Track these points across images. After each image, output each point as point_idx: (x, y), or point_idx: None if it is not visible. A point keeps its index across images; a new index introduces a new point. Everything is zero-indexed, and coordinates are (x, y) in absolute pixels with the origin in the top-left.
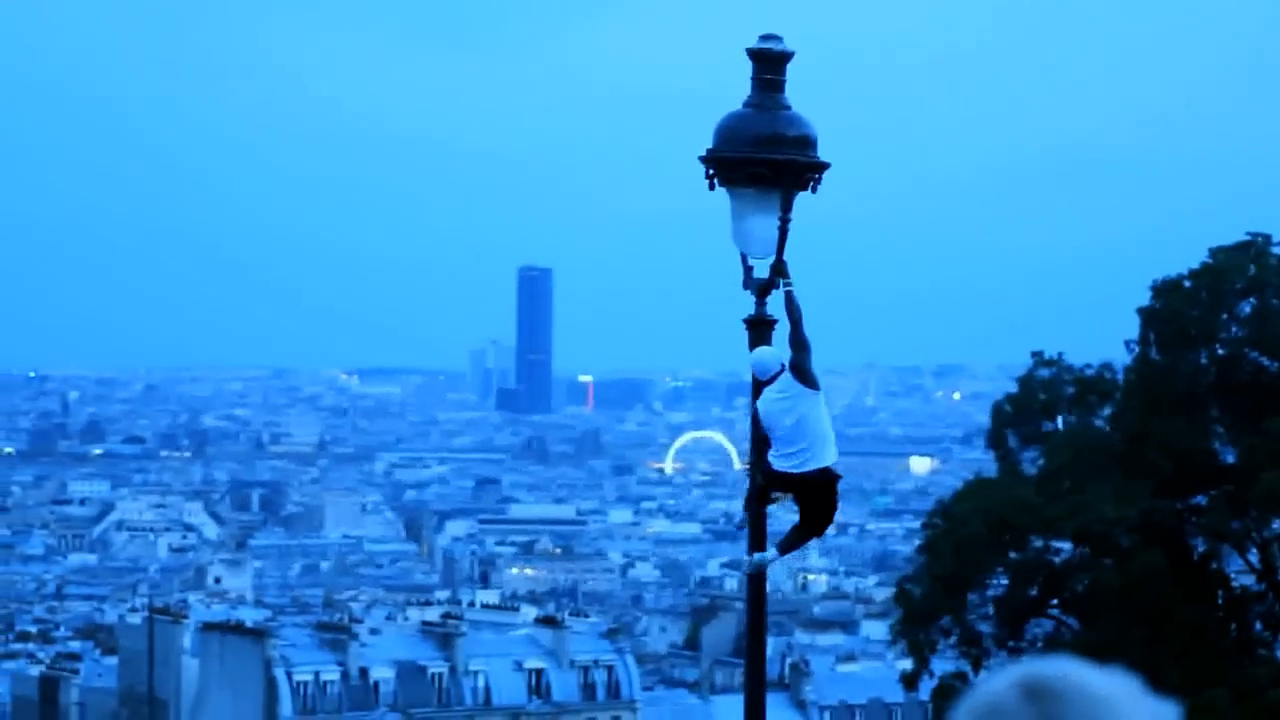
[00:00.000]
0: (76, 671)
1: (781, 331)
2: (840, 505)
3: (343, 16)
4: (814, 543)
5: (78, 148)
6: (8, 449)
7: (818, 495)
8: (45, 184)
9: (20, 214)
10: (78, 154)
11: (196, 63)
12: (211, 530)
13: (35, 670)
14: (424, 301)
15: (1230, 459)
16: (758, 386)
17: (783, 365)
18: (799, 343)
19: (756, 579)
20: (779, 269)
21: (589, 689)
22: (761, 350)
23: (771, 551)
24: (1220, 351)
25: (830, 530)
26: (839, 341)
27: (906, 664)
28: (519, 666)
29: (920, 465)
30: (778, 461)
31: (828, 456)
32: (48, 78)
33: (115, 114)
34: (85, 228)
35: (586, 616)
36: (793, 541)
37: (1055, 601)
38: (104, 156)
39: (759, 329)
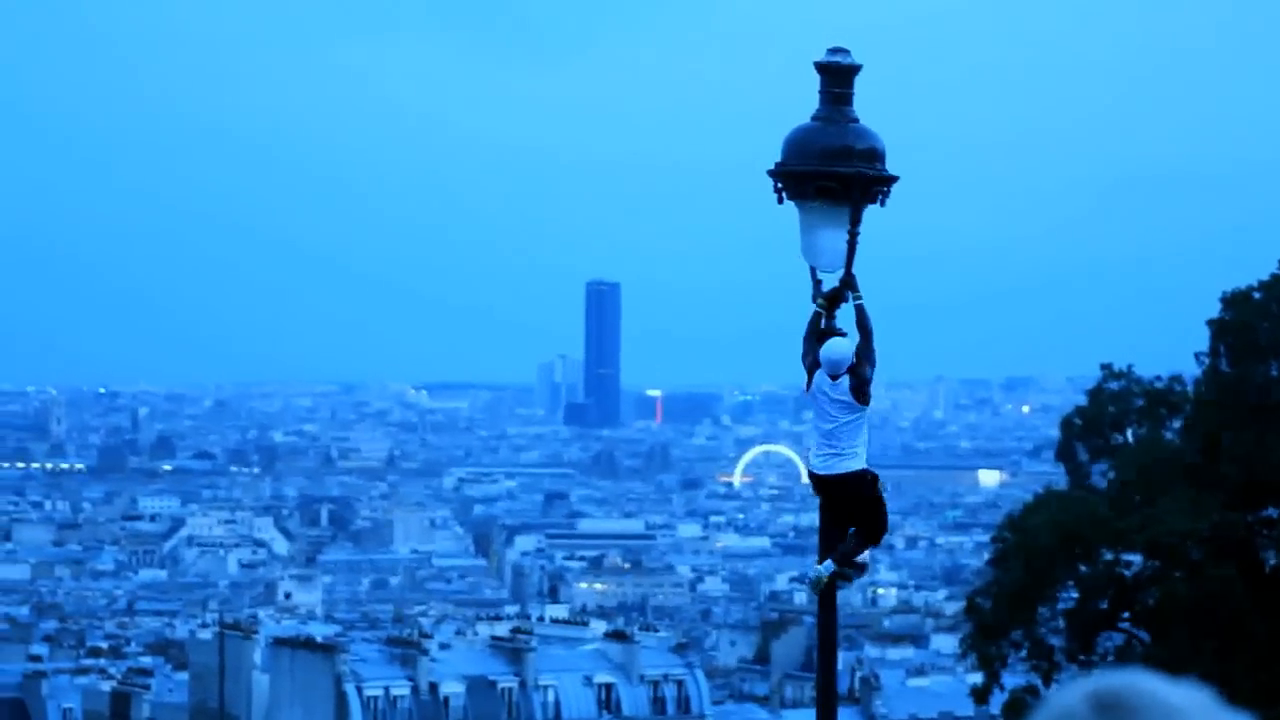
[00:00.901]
0: (148, 687)
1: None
2: (895, 517)
3: (415, 29)
4: (885, 557)
5: (145, 166)
6: (78, 465)
7: (859, 499)
8: (114, 202)
9: (88, 232)
10: (145, 172)
11: (266, 74)
12: (281, 546)
13: (107, 686)
14: (492, 316)
15: None
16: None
17: (853, 363)
18: (868, 357)
19: (827, 590)
20: (848, 283)
21: (659, 703)
22: (840, 342)
23: (829, 564)
24: None
25: (899, 543)
26: (908, 354)
27: (977, 678)
28: (589, 681)
29: (989, 478)
30: (812, 461)
31: (853, 465)
32: (113, 92)
33: (187, 133)
34: (152, 244)
35: (656, 631)
36: (851, 550)
37: (1126, 615)
38: (172, 174)
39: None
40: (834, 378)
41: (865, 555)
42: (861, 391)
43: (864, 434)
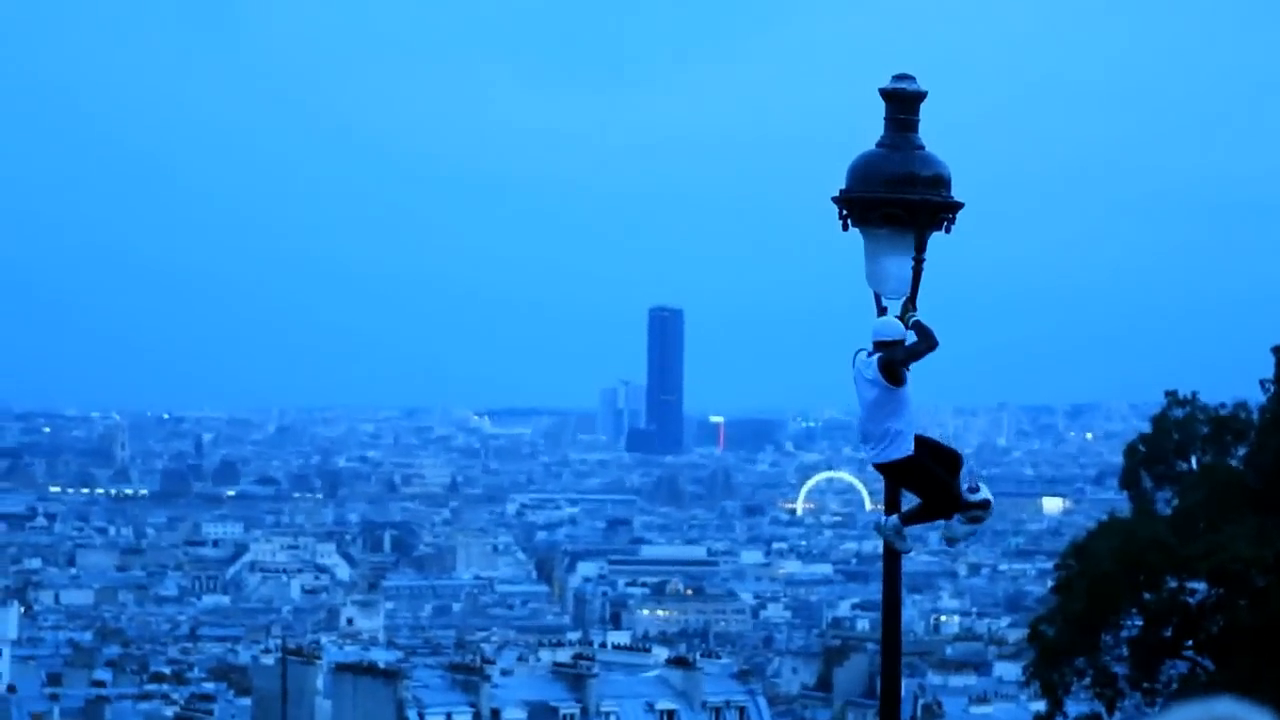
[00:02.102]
0: (210, 713)
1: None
2: (959, 544)
3: (474, 60)
4: (947, 584)
5: (211, 195)
6: (142, 491)
7: (913, 477)
8: (177, 230)
9: (154, 259)
10: (212, 200)
11: (330, 102)
12: (344, 571)
13: (170, 711)
14: (555, 342)
15: None
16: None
17: (900, 340)
18: (908, 349)
19: (890, 615)
20: (907, 305)
21: None
22: (890, 319)
23: (894, 519)
24: None
25: (962, 570)
26: (972, 382)
27: (1040, 705)
28: (650, 708)
29: (1053, 505)
30: (863, 450)
31: (899, 451)
32: (180, 123)
33: (248, 164)
34: (215, 271)
35: (718, 657)
36: (916, 516)
37: (1190, 642)
38: (235, 204)
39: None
40: (875, 349)
41: (986, 493)
42: (890, 371)
43: (905, 415)
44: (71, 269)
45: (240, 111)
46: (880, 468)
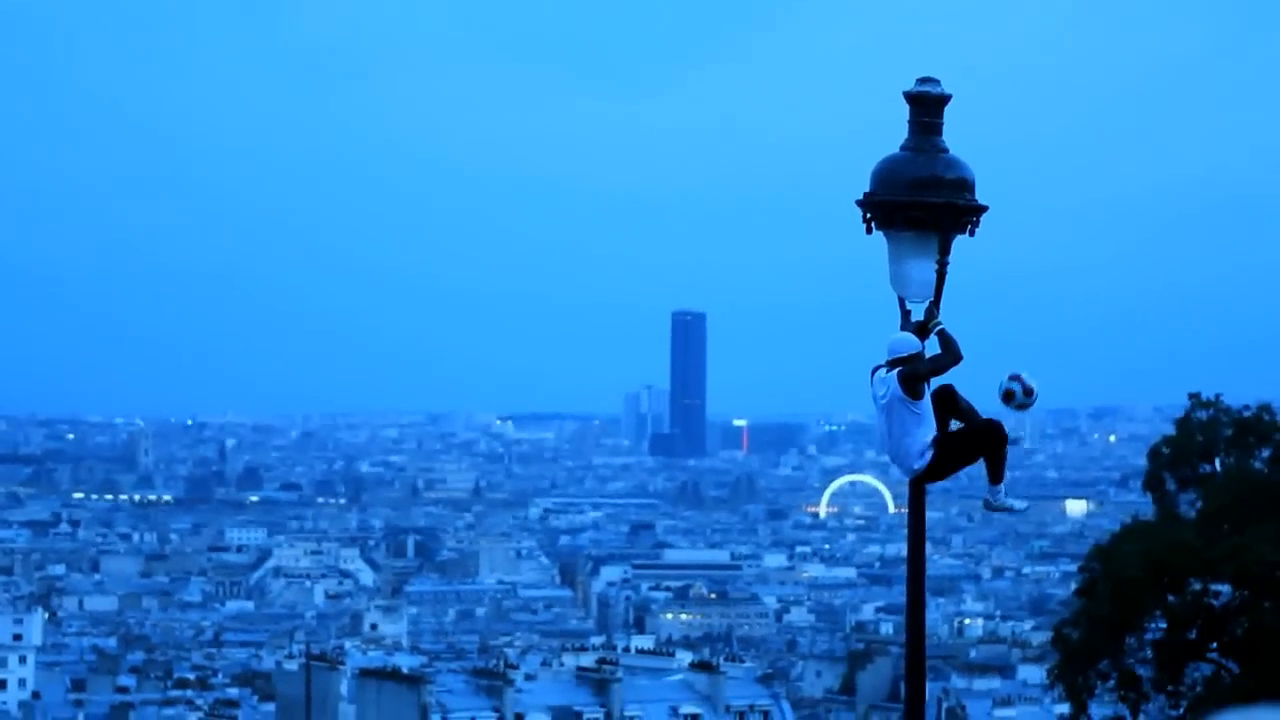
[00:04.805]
0: (235, 718)
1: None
2: (982, 546)
3: (497, 64)
4: (971, 587)
5: (236, 203)
6: (166, 496)
7: (964, 449)
8: (201, 235)
9: (178, 267)
10: (237, 207)
11: (337, 117)
12: (367, 576)
13: (194, 716)
14: (578, 347)
15: None
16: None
17: (918, 353)
18: (932, 362)
19: (914, 619)
20: (931, 312)
21: None
22: (906, 334)
23: (993, 488)
24: None
25: (986, 573)
26: (994, 383)
27: (1064, 708)
28: (675, 712)
29: (1076, 508)
30: (904, 471)
31: (910, 463)
32: (193, 147)
33: (275, 168)
34: (239, 278)
35: (742, 661)
36: (994, 468)
37: (1214, 645)
38: (263, 209)
39: None
40: (890, 366)
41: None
42: (911, 385)
43: (932, 423)
44: (94, 277)
45: (264, 116)
46: (923, 479)
